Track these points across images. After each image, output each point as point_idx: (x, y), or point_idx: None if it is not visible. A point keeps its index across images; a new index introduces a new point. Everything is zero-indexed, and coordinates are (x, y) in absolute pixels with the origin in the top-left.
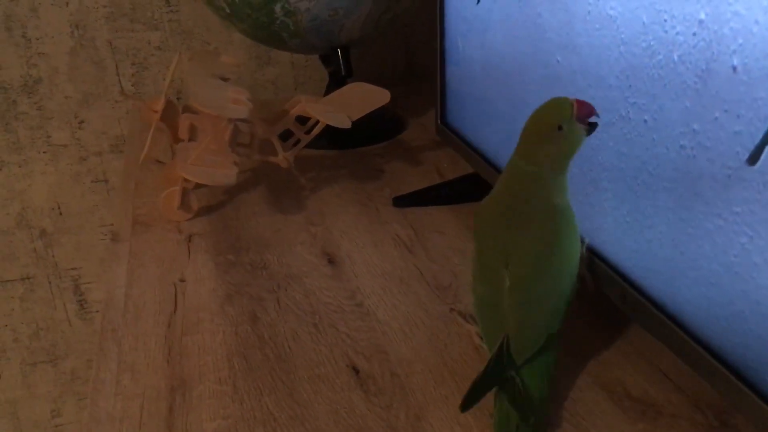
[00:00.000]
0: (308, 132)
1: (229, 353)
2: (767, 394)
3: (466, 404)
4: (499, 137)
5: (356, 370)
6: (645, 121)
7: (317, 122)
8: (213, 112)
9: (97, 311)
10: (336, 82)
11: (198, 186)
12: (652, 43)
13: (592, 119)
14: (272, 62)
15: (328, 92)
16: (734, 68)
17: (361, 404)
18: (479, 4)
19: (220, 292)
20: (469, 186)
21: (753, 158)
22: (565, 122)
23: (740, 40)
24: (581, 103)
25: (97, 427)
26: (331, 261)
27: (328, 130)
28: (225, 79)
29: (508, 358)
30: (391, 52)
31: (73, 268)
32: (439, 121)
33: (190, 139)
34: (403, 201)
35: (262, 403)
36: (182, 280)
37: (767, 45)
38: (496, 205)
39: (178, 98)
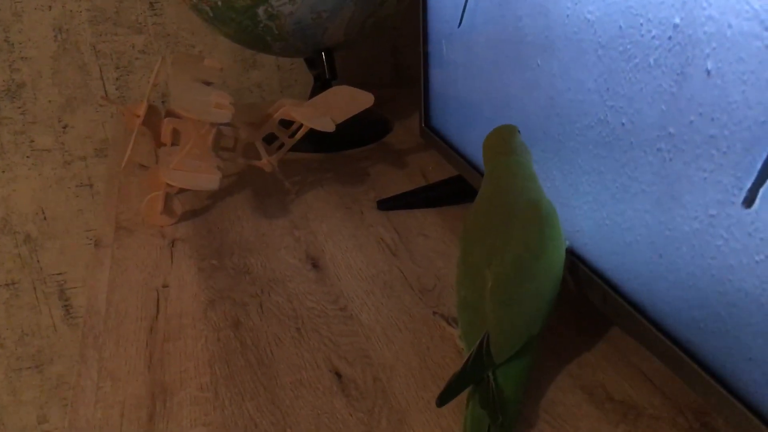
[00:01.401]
0: (292, 136)
1: (210, 359)
2: (745, 396)
3: (443, 399)
4: (482, 140)
5: (338, 375)
6: (623, 124)
7: (301, 126)
8: (195, 117)
9: (82, 317)
10: (320, 85)
11: (182, 190)
12: (628, 46)
13: None
14: (257, 65)
15: (313, 95)
16: (708, 72)
17: (343, 409)
18: (462, 21)
19: (202, 297)
20: (453, 188)
21: (748, 201)
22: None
23: (714, 44)
24: None
25: None
26: (315, 265)
27: (313, 133)
28: (208, 83)
29: (487, 357)
30: (378, 55)
31: (58, 273)
32: (423, 124)
33: (173, 144)
34: (387, 204)
35: (243, 409)
36: (165, 286)
37: (740, 49)
38: (480, 209)
39: (163, 102)
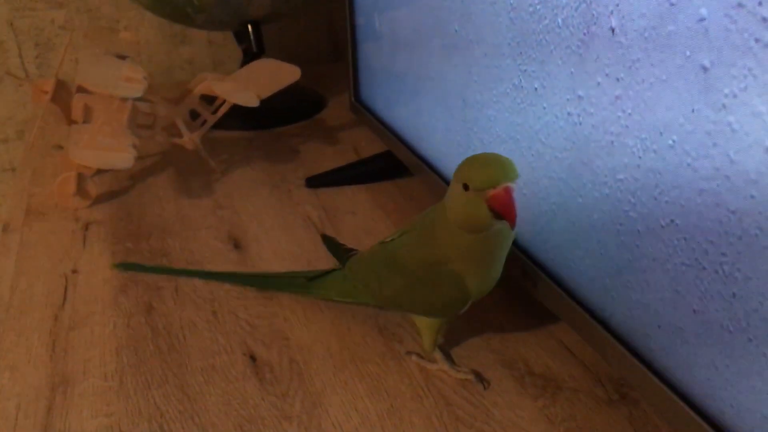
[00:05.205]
0: (215, 112)
1: (118, 346)
2: (656, 365)
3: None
4: (407, 113)
5: (253, 358)
6: (536, 89)
7: (224, 102)
8: (103, 92)
9: None
10: (249, 60)
11: (99, 171)
12: (538, 7)
13: (500, 222)
14: (188, 41)
15: None
16: (612, 30)
17: (256, 394)
18: None
19: (114, 282)
20: (383, 164)
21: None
22: (473, 189)
23: (617, 0)
24: (497, 197)
25: None
26: (237, 245)
27: (243, 110)
28: (123, 57)
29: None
30: (314, 29)
31: None
32: (352, 98)
33: (85, 121)
34: (316, 181)
35: (149, 398)
36: (75, 271)
37: (641, 3)
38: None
39: None
